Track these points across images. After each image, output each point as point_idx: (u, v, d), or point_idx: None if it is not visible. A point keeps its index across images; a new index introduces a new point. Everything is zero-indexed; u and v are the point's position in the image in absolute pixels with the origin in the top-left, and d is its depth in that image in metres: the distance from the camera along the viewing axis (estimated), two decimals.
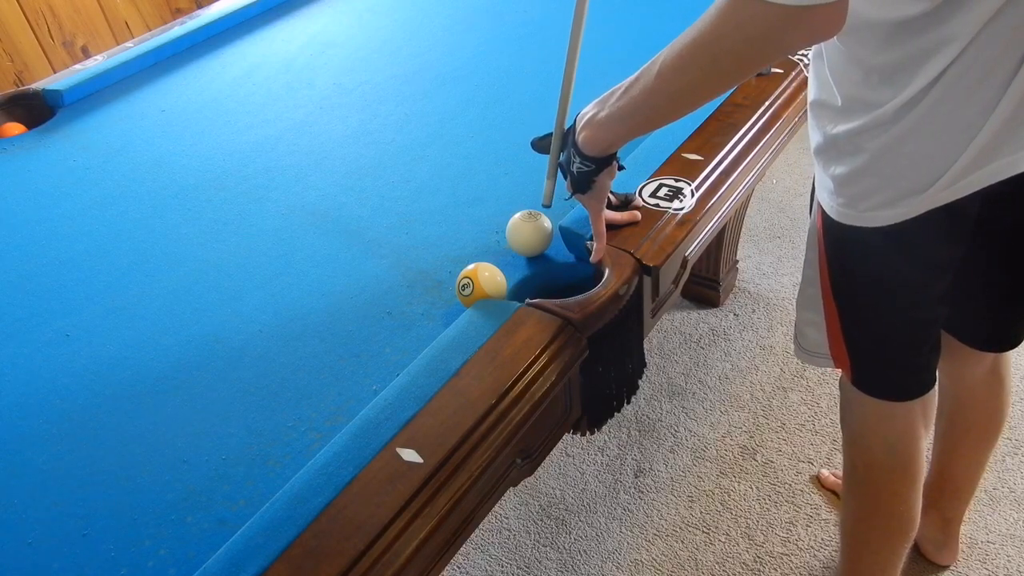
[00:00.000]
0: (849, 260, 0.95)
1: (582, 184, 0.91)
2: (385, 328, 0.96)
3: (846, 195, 0.88)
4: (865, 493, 1.17)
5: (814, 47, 0.88)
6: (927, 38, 0.74)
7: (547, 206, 1.01)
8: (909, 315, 0.96)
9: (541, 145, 1.00)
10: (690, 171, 1.07)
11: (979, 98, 0.76)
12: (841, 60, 0.82)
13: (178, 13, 2.75)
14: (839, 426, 1.69)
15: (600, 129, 0.86)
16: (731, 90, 1.19)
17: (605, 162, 0.89)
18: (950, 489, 1.35)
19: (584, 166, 0.89)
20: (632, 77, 0.82)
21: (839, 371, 1.08)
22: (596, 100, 0.88)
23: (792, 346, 1.15)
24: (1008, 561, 1.44)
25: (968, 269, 0.94)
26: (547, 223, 1.00)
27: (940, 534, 1.41)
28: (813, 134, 0.91)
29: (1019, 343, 1.08)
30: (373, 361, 0.92)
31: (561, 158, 0.95)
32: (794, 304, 2.00)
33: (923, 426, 1.09)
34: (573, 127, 0.91)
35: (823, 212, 0.93)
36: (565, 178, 0.95)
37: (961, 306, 1.01)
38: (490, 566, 1.55)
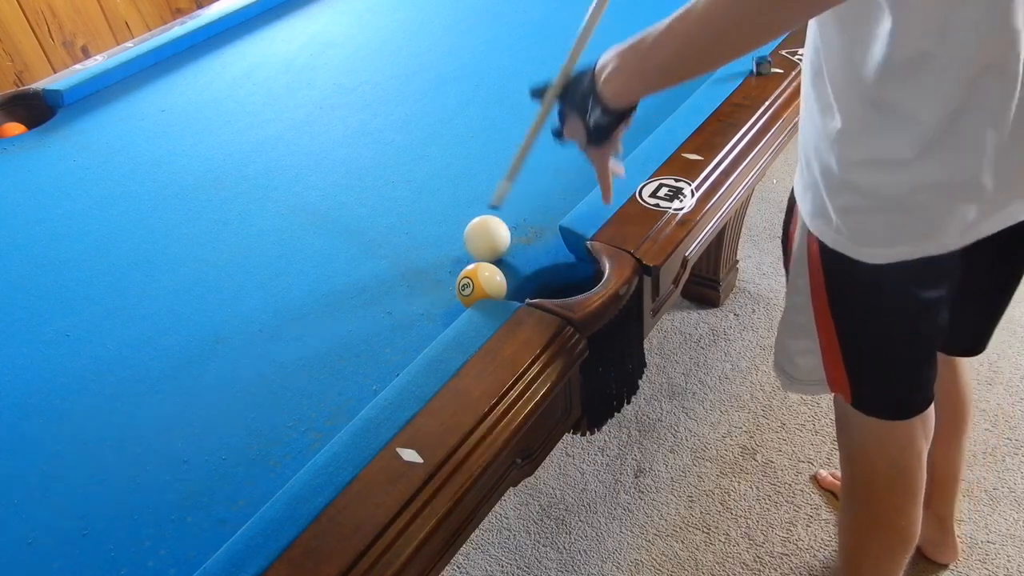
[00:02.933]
0: (852, 288, 0.92)
1: (600, 136, 0.87)
2: (385, 328, 0.96)
3: (849, 228, 0.85)
4: (866, 509, 1.16)
5: (812, 65, 0.84)
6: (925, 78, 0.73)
7: (495, 207, 0.99)
8: (914, 336, 0.94)
9: (538, 93, 0.95)
10: (690, 171, 1.07)
11: (987, 144, 0.75)
12: (848, 91, 0.80)
13: (178, 13, 2.75)
14: None
15: (628, 82, 0.82)
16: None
17: (626, 113, 0.86)
18: (934, 486, 1.35)
19: (604, 118, 0.85)
20: (661, 26, 0.77)
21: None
22: (615, 51, 0.83)
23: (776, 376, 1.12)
24: (1008, 561, 1.44)
25: (961, 286, 0.94)
26: (489, 224, 1.01)
27: (937, 533, 1.41)
28: (811, 159, 0.88)
29: (984, 349, 1.10)
30: (373, 361, 0.92)
31: (558, 106, 0.91)
32: None
33: (924, 439, 1.07)
34: (590, 80, 0.85)
35: (818, 240, 0.90)
36: (561, 124, 0.91)
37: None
38: (490, 566, 1.55)
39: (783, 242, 1.05)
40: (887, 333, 0.94)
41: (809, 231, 0.92)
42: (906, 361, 0.97)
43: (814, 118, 0.86)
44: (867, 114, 0.79)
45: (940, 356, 1.11)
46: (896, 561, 1.19)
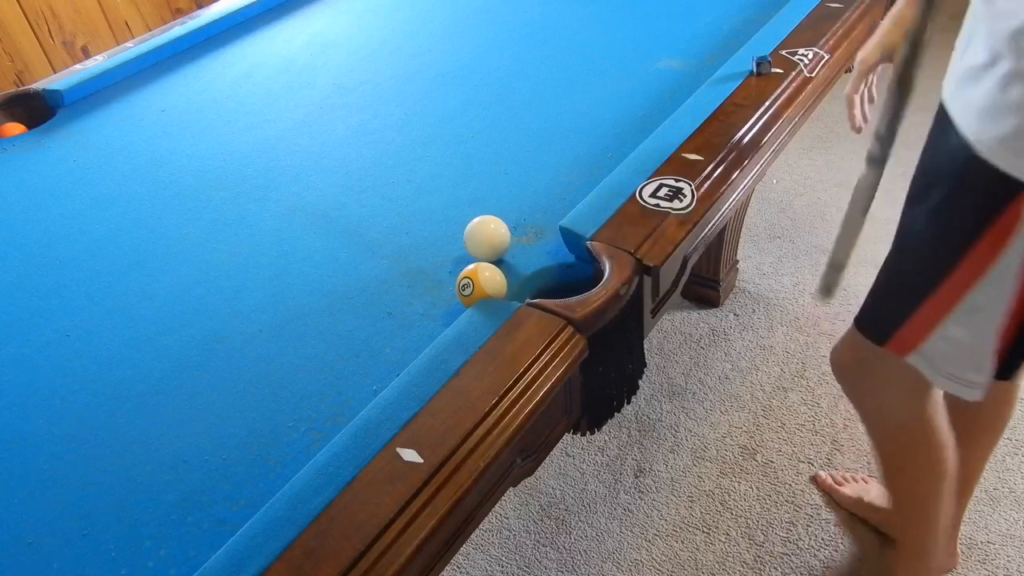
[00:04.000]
0: None
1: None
2: (385, 328, 0.96)
3: None
4: (917, 449, 1.19)
5: None
6: None
7: (826, 298, 0.92)
8: None
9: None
10: (690, 171, 1.07)
11: None
12: None
13: (178, 13, 2.75)
14: (839, 426, 1.70)
15: None
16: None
17: None
18: (962, 490, 1.34)
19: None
20: None
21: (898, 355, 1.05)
22: None
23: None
24: (1008, 561, 1.44)
25: None
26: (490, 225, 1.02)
27: (942, 542, 1.40)
28: None
29: None
30: (373, 361, 0.92)
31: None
32: (793, 304, 2.01)
33: None
34: None
35: None
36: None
37: None
38: (490, 566, 1.55)
39: (981, 225, 0.90)
40: None
41: None
42: None
43: None
44: None
45: None
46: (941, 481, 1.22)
